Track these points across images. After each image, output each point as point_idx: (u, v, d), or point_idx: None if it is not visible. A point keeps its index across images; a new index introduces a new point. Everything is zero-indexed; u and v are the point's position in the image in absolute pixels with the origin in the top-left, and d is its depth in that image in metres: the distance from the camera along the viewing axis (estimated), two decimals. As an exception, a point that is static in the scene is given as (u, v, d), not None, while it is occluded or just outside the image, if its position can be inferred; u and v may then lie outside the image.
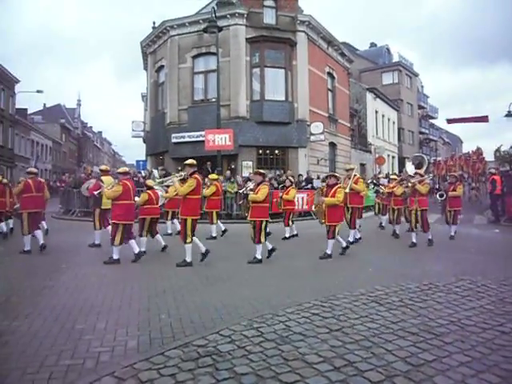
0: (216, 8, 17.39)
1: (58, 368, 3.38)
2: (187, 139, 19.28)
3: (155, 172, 12.66)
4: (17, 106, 39.56)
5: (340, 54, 25.09)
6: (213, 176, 11.38)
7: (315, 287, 5.89)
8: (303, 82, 20.37)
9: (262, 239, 7.75)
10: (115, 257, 7.66)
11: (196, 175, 7.54)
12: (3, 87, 35.58)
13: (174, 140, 19.76)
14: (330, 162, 23.23)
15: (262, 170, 8.64)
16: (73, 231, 12.42)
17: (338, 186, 8.29)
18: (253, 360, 3.48)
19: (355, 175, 10.01)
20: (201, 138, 17.32)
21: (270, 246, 8.02)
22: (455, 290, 5.63)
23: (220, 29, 15.84)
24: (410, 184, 9.78)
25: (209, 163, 16.85)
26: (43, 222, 10.68)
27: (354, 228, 9.86)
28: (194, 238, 7.53)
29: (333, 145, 23.93)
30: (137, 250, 7.88)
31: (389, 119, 37.19)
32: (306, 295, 5.39)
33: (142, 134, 23.87)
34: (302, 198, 15.61)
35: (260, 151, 19.73)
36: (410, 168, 10.45)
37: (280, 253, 8.14)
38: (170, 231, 11.35)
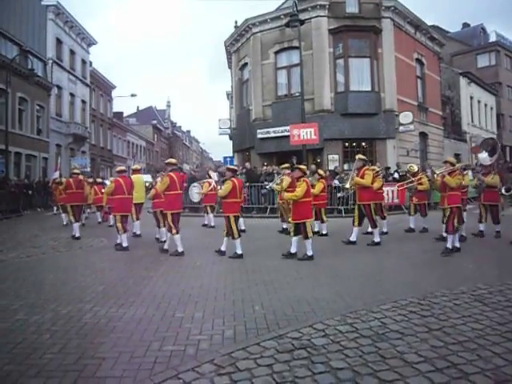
0: (297, 1, 17.28)
1: (162, 353, 3.59)
2: (272, 134, 19.48)
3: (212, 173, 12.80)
4: (114, 110, 42.81)
5: (429, 38, 23.68)
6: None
7: (410, 284, 5.64)
8: (390, 70, 19.55)
9: (310, 234, 7.59)
10: (165, 247, 8.42)
11: (233, 179, 7.93)
12: (102, 93, 38.66)
13: (259, 136, 20.06)
14: (420, 152, 22.08)
15: (302, 166, 8.22)
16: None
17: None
18: (348, 355, 3.43)
19: (364, 166, 9.15)
20: (286, 133, 17.37)
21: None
22: None
23: (302, 22, 15.71)
24: (435, 175, 8.14)
25: (294, 157, 16.86)
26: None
27: (359, 226, 9.05)
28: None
29: (424, 135, 22.70)
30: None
31: (486, 105, 34.40)
32: (401, 292, 5.19)
33: (229, 131, 24.56)
34: (393, 192, 15.05)
35: (346, 144, 19.32)
36: (483, 156, 8.95)
37: (366, 248, 7.91)
38: (212, 223, 12.44)
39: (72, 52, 31.34)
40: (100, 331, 4.13)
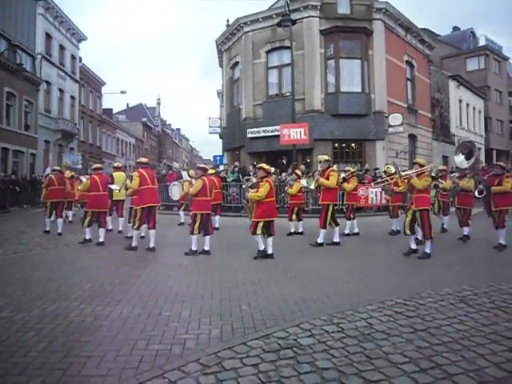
0: (289, 1, 17.30)
1: (147, 352, 3.57)
2: (262, 134, 19.49)
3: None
4: (103, 107, 42.48)
5: (419, 40, 23.88)
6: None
7: (397, 285, 5.69)
8: (380, 72, 19.67)
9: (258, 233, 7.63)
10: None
11: (204, 177, 8.18)
12: (91, 89, 38.34)
13: (249, 135, 20.06)
14: (409, 154, 22.25)
15: (265, 166, 8.08)
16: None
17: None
18: (334, 355, 3.45)
19: (329, 168, 9.32)
20: (276, 133, 17.41)
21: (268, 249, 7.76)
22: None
23: (294, 22, 15.77)
24: (401, 177, 8.18)
25: (284, 157, 16.88)
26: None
27: (324, 227, 9.00)
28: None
29: (413, 137, 22.89)
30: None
31: (474, 108, 34.76)
32: (388, 293, 5.23)
33: (219, 129, 24.50)
34: (381, 193, 15.12)
35: (336, 145, 19.41)
36: (459, 159, 8.94)
37: (356, 249, 7.95)
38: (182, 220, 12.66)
39: (61, 47, 30.99)
40: (86, 329, 4.10)
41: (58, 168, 12.05)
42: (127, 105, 64.45)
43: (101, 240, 9.07)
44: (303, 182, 10.73)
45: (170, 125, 79.91)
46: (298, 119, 16.56)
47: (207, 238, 8.15)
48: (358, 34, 19.31)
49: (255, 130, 19.86)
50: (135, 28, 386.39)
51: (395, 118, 19.40)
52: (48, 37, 28.85)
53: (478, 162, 9.54)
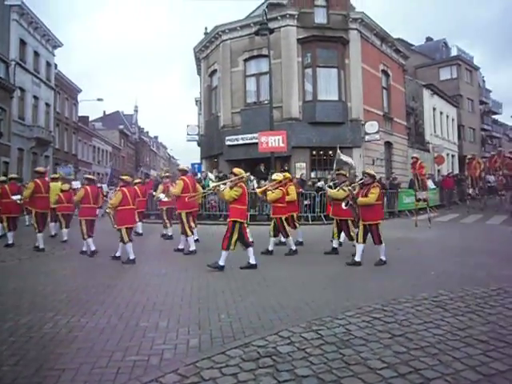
0: (267, 10, 17.45)
1: (124, 363, 3.51)
2: (241, 141, 19.48)
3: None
4: (79, 114, 41.86)
5: (394, 50, 24.38)
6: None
7: (374, 291, 5.74)
8: (357, 80, 19.97)
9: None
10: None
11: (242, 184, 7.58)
12: (67, 97, 37.76)
13: (227, 143, 20.04)
14: (386, 161, 22.62)
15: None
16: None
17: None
18: (313, 363, 3.45)
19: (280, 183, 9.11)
20: (254, 140, 17.42)
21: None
22: (527, 295, 5.28)
23: (271, 31, 15.86)
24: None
25: (262, 165, 16.91)
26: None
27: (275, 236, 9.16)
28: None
29: (389, 144, 23.27)
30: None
31: (447, 116, 35.63)
32: (366, 299, 5.27)
33: (197, 137, 24.41)
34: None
35: (313, 152, 19.53)
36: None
37: (332, 256, 7.98)
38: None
39: (36, 54, 30.44)
40: (61, 341, 4.01)
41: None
42: (104, 112, 63.78)
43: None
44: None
45: (147, 132, 79.34)
46: (276, 127, 16.63)
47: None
48: (335, 43, 19.58)
49: (233, 137, 19.86)
50: (112, 35, 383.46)
51: (371, 126, 19.66)
52: (22, 43, 28.30)
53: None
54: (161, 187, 11.43)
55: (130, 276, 6.90)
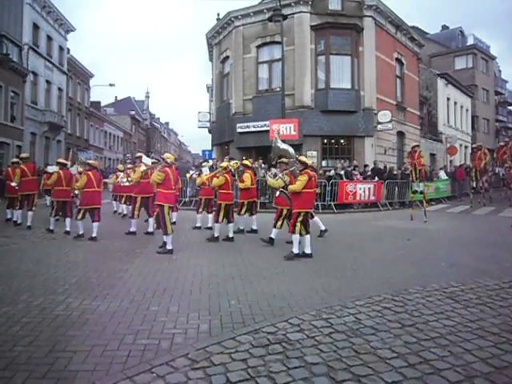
0: (281, -4, 17.20)
1: (135, 347, 3.55)
2: (252, 129, 19.41)
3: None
4: (91, 99, 41.98)
5: (409, 38, 23.97)
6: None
7: (384, 281, 5.72)
8: (370, 69, 19.71)
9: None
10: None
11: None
12: (79, 81, 37.84)
13: (238, 130, 19.98)
14: (397, 151, 22.40)
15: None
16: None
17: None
18: (323, 350, 3.45)
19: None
20: (265, 128, 17.36)
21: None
22: (540, 288, 5.22)
23: (285, 17, 15.68)
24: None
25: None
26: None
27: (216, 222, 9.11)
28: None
29: (401, 134, 23.02)
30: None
31: (461, 106, 35.12)
32: (376, 288, 5.26)
33: (208, 124, 24.38)
34: (369, 189, 15.25)
35: (325, 141, 19.39)
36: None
37: (342, 244, 7.95)
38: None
39: (49, 38, 30.47)
40: (72, 324, 4.06)
41: (16, 160, 11.87)
42: (115, 98, 63.97)
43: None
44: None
45: (158, 118, 79.39)
46: (288, 115, 16.53)
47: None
48: (349, 30, 19.28)
49: (245, 124, 19.78)
50: (126, 21, 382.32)
51: (384, 115, 19.46)
52: (35, 27, 28.33)
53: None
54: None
55: (141, 261, 6.95)
